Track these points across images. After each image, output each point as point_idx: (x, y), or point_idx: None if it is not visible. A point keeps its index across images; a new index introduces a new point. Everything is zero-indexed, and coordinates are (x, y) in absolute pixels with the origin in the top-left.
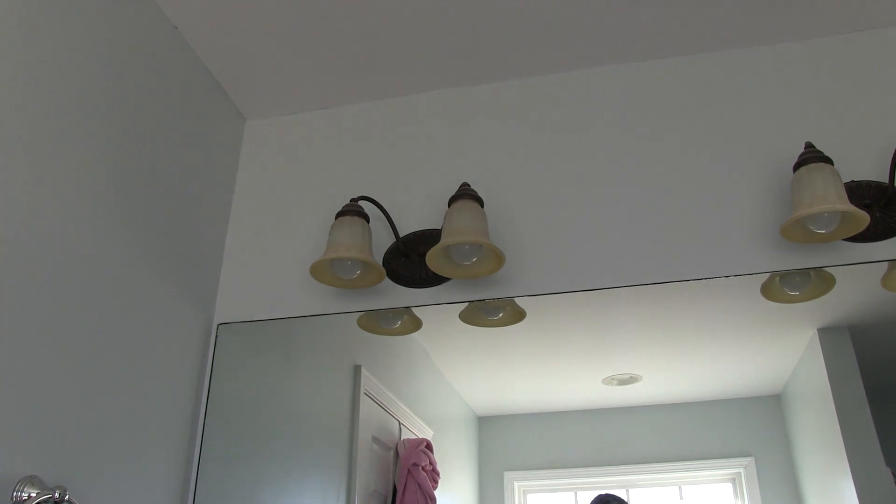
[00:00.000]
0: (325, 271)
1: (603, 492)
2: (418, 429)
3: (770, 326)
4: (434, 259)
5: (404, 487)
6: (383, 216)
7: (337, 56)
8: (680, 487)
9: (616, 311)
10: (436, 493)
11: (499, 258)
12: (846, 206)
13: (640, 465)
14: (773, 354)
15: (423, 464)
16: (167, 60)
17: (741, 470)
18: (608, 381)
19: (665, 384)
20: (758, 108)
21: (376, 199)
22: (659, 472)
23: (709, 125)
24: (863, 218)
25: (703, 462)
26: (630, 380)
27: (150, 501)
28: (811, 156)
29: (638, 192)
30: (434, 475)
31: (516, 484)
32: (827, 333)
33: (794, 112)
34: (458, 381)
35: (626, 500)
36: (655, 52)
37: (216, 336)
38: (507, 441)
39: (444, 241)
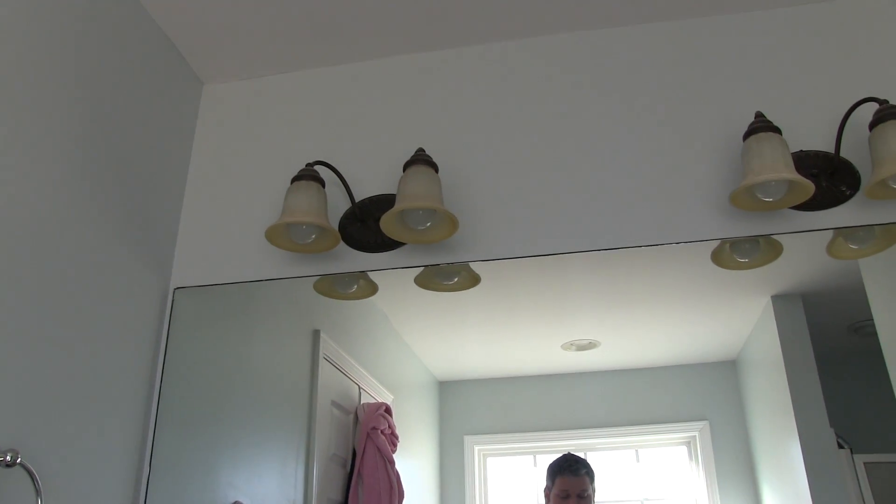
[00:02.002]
0: (281, 236)
1: (566, 451)
2: (378, 393)
3: (726, 293)
4: (388, 224)
5: (363, 451)
6: (340, 181)
7: (295, 20)
8: (636, 451)
9: (575, 278)
10: (395, 456)
11: (452, 223)
12: (792, 175)
13: (598, 430)
14: (728, 321)
15: (382, 427)
16: (122, 24)
17: (696, 434)
18: (567, 346)
19: (623, 350)
20: (712, 78)
21: (333, 164)
22: (616, 435)
23: (663, 93)
24: (808, 187)
25: (659, 426)
26: (588, 345)
27: (106, 464)
28: (760, 125)
29: (592, 160)
30: (393, 439)
31: (476, 448)
32: (780, 300)
33: (747, 81)
34: (418, 346)
35: (586, 460)
36: (610, 21)
37: (172, 300)
38: (467, 405)
39: (397, 205)
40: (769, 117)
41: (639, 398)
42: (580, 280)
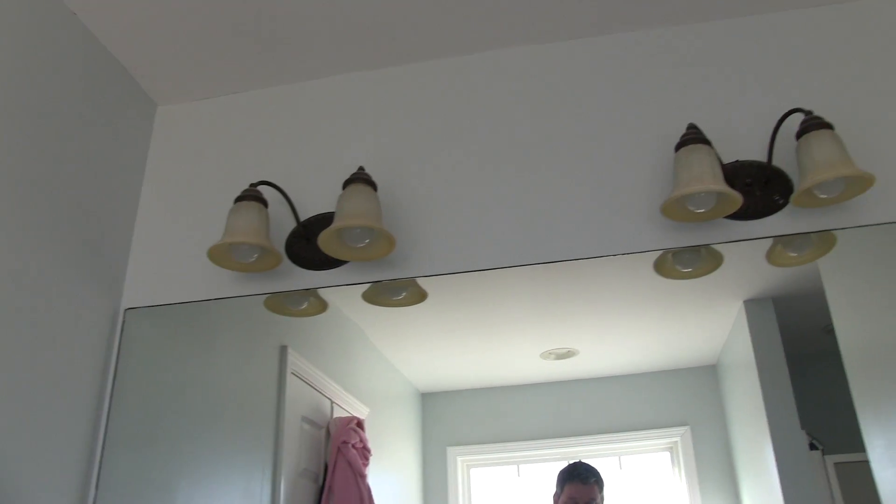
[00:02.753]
0: (224, 256)
1: (577, 460)
2: (352, 407)
3: (701, 299)
4: (326, 242)
5: (334, 465)
6: (285, 200)
7: (245, 41)
8: (619, 458)
9: (553, 287)
10: (375, 468)
11: (389, 241)
12: (719, 186)
13: (581, 437)
14: (705, 326)
15: (353, 441)
16: (68, 47)
17: (678, 439)
18: (546, 355)
19: (602, 358)
20: (648, 90)
21: (282, 183)
22: (598, 443)
23: (598, 107)
24: (736, 198)
25: (641, 433)
26: (567, 354)
27: (49, 488)
28: (690, 137)
29: (529, 174)
30: (365, 452)
31: (459, 459)
32: (752, 305)
33: (684, 93)
34: (398, 358)
35: (596, 468)
36: (545, 37)
37: (123, 320)
38: (449, 417)
39: (334, 224)
40: (706, 128)
41: (620, 405)
42: (560, 288)
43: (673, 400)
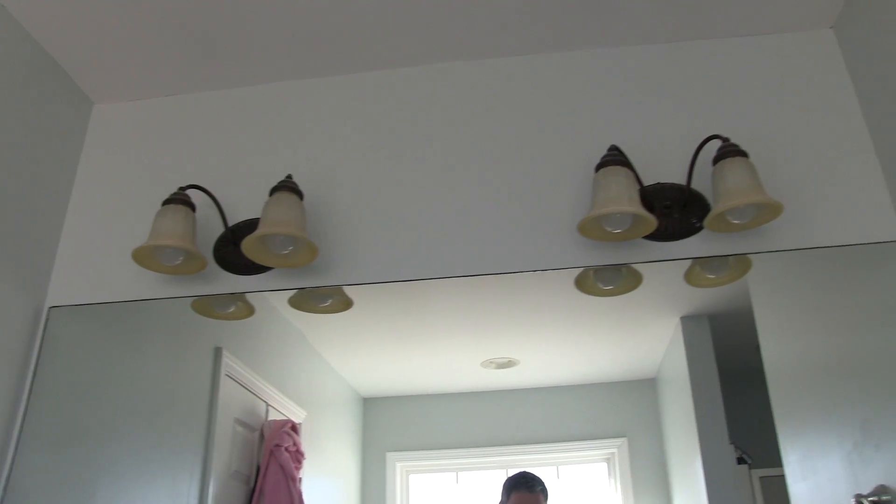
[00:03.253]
0: (149, 258)
1: (522, 470)
2: (288, 410)
3: (641, 313)
4: (250, 248)
5: (266, 468)
6: (215, 205)
7: (182, 44)
8: (557, 467)
9: (495, 297)
10: (310, 473)
11: (312, 250)
12: (634, 208)
13: (519, 447)
14: (645, 340)
15: (286, 445)
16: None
17: (615, 450)
18: (487, 364)
19: (543, 368)
20: (577, 110)
21: (211, 188)
22: (537, 452)
23: (525, 124)
24: (651, 220)
25: (579, 443)
26: (508, 363)
27: None
28: (610, 159)
29: (456, 188)
30: (298, 456)
31: (399, 465)
32: (688, 321)
33: (610, 115)
34: (340, 363)
35: (542, 479)
36: (472, 53)
37: (47, 318)
38: (390, 422)
39: (257, 231)
40: (631, 149)
41: (560, 415)
42: (501, 299)
43: (612, 412)
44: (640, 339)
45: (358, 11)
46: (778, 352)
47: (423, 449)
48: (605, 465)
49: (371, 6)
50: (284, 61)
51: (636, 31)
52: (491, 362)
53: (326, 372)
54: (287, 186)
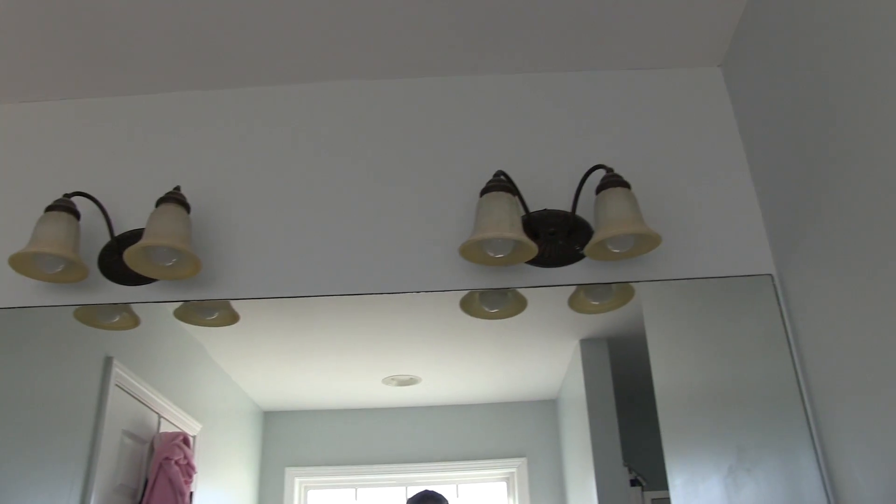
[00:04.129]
0: (28, 265)
1: (424, 488)
2: (182, 423)
3: (542, 335)
4: (132, 259)
5: (154, 481)
6: (101, 213)
7: (75, 47)
8: (457, 486)
9: (396, 315)
10: (204, 487)
11: (195, 263)
12: (515, 234)
13: (419, 464)
14: (546, 361)
15: (176, 458)
16: None
17: (515, 470)
18: (388, 381)
19: (444, 386)
20: (468, 134)
21: (99, 196)
22: (437, 470)
23: (418, 145)
24: (532, 247)
25: (479, 462)
26: (409, 381)
27: None
28: (494, 184)
29: (344, 208)
30: (188, 469)
31: (297, 480)
32: (587, 344)
33: (500, 140)
34: (240, 376)
35: (445, 497)
36: (367, 73)
37: None
38: (290, 436)
39: (140, 242)
40: (518, 175)
41: (460, 434)
42: (404, 316)
43: (512, 431)
44: (541, 360)
45: (252, 26)
46: (667, 377)
47: (322, 464)
48: (504, 484)
49: (264, 22)
50: (177, 72)
51: (529, 58)
52: (392, 379)
53: (226, 384)
54: (174, 198)
